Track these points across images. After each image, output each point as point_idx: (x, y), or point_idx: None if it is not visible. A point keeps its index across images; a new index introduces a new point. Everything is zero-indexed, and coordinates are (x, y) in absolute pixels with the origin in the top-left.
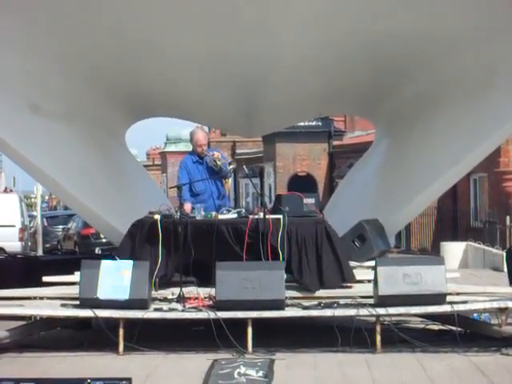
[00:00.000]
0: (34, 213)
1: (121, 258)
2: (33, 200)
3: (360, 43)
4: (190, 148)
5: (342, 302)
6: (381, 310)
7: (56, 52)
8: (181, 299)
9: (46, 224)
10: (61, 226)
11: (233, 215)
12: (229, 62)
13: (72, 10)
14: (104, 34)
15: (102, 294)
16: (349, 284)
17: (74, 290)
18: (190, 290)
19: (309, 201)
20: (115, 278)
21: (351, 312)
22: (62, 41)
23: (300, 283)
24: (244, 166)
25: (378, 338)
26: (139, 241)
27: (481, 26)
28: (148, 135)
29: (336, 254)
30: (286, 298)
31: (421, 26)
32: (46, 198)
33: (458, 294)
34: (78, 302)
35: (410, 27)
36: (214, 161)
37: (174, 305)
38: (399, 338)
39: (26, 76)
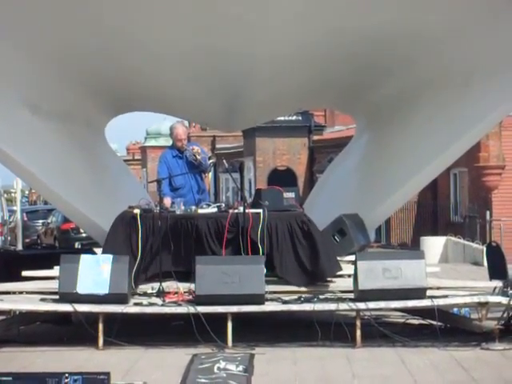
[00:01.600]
0: (14, 207)
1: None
2: (12, 195)
3: (342, 41)
4: (170, 142)
5: (321, 296)
6: (361, 305)
7: (36, 48)
8: (160, 294)
9: (25, 219)
10: (40, 221)
11: (212, 210)
12: (212, 57)
13: (54, 5)
14: (85, 29)
15: (82, 288)
16: (329, 278)
17: (53, 285)
18: (170, 285)
19: (289, 195)
20: (95, 273)
21: (331, 306)
22: (42, 39)
23: (282, 278)
24: (224, 161)
25: (358, 332)
26: (119, 235)
27: (460, 26)
28: (128, 130)
29: (317, 248)
30: (266, 292)
31: (401, 25)
32: (26, 192)
33: (438, 288)
34: (57, 297)
35: (391, 26)
36: (194, 155)
37: (154, 299)
38: (379, 332)
39: (6, 73)
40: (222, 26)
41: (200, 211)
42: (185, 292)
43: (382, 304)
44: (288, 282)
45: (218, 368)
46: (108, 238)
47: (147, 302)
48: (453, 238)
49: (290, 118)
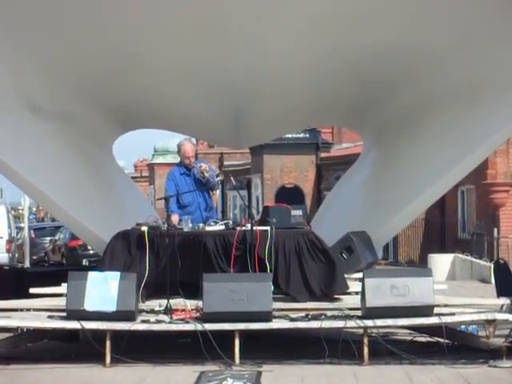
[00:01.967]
0: (22, 224)
1: (103, 270)
2: (20, 212)
3: (348, 58)
4: (177, 160)
5: (329, 313)
6: (368, 322)
7: (44, 65)
8: (168, 311)
9: (33, 236)
10: (48, 238)
11: (220, 227)
12: (218, 75)
13: (61, 22)
14: (92, 46)
15: (89, 305)
16: (337, 296)
17: (61, 302)
18: (178, 302)
19: (296, 212)
20: (102, 290)
21: (339, 324)
22: (51, 54)
23: (288, 295)
24: (231, 178)
25: (366, 350)
26: (126, 252)
27: (467, 41)
28: (136, 147)
29: (325, 265)
30: (274, 309)
31: (408, 41)
32: (34, 209)
33: (445, 305)
34: (65, 314)
35: (397, 42)
36: (202, 172)
37: (161, 317)
38: (387, 350)
39: (14, 89)
40: (229, 44)
41: (207, 228)
42: (192, 309)
43: (389, 321)
44: (295, 299)
45: None
46: (105, 255)
47: (154, 319)
48: (460, 255)
49: (298, 135)
